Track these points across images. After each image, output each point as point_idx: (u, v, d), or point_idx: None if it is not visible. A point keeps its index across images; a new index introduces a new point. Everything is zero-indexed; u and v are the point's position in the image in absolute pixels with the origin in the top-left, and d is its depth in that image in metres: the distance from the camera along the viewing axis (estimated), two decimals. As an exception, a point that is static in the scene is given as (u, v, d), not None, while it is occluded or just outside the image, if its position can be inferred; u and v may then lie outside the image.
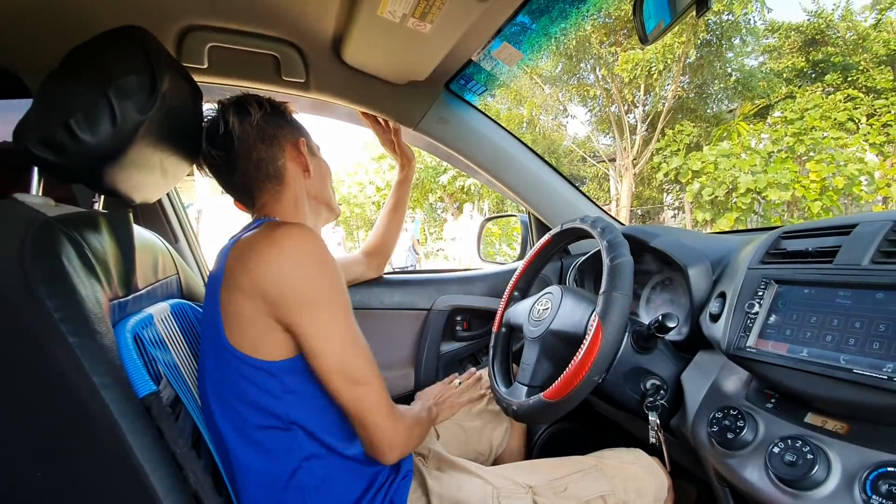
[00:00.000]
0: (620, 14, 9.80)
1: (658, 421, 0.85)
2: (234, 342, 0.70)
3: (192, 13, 0.98)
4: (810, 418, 0.66)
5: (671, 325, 0.82)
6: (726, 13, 9.39)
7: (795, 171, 7.14)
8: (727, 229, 7.25)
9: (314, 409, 0.75)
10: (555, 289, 1.01)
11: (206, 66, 1.05)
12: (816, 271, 0.71)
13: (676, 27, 0.88)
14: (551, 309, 0.97)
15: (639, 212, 12.01)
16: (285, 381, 0.72)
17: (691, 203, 8.14)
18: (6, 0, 0.84)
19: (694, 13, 0.64)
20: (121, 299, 0.69)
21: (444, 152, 1.37)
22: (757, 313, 0.74)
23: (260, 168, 0.86)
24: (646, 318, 1.15)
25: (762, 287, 0.76)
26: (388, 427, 0.75)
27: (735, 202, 7.15)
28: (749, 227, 7.40)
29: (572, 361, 0.79)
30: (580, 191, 1.40)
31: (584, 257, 1.28)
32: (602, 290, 0.81)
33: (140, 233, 0.85)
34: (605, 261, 0.85)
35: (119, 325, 0.66)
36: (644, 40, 0.74)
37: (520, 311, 1.08)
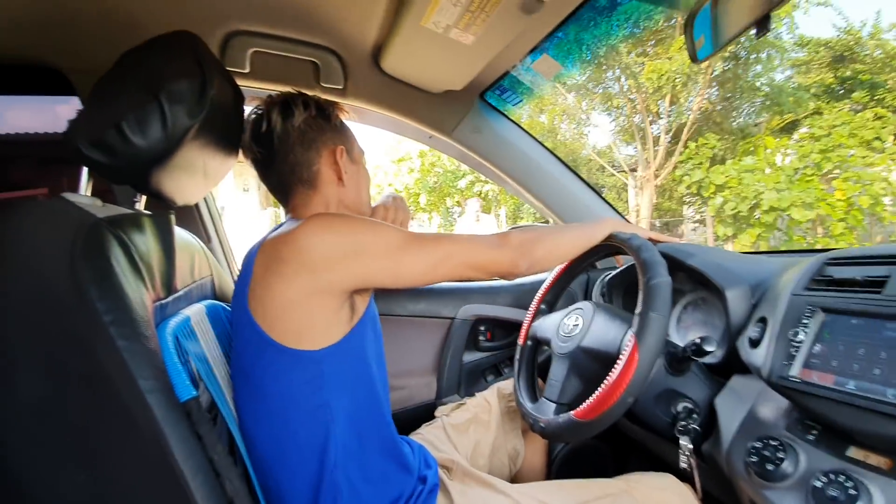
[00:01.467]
0: (649, 24, 9.72)
1: (691, 446, 0.83)
2: (275, 336, 0.70)
3: (237, 19, 0.99)
4: (853, 452, 0.64)
5: (709, 349, 0.80)
6: (755, 26, 9.22)
7: (821, 189, 6.99)
8: (748, 244, 7.14)
9: (349, 396, 0.76)
10: (586, 305, 1.00)
11: (247, 71, 1.07)
12: (865, 301, 0.69)
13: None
14: (582, 325, 0.95)
15: (657, 223, 11.86)
16: (325, 369, 0.73)
17: (713, 217, 8.01)
18: (56, 1, 0.86)
19: (753, 33, 0.62)
20: (162, 301, 0.70)
21: (475, 161, 1.37)
22: (802, 342, 0.72)
23: (294, 171, 0.86)
24: (676, 337, 1.13)
25: (807, 315, 0.74)
26: (497, 255, 0.82)
27: (758, 218, 7.02)
28: (771, 244, 7.26)
29: (606, 381, 0.78)
30: (612, 207, 1.38)
31: (613, 272, 1.26)
32: (639, 310, 0.80)
33: (178, 233, 0.86)
34: (642, 280, 0.84)
35: (160, 326, 0.66)
36: (694, 58, 0.72)
37: (547, 326, 1.07)
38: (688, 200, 10.99)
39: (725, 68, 9.81)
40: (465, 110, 1.24)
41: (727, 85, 10.15)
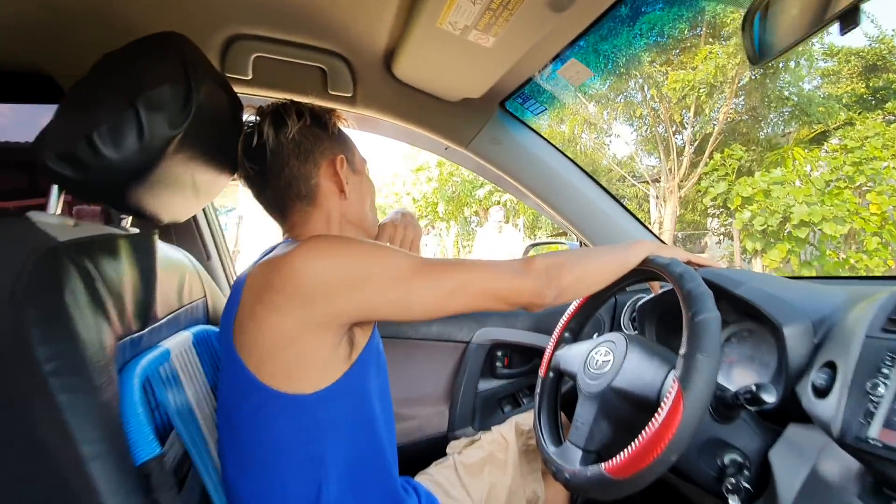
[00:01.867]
0: (673, 33, 9.55)
1: None
2: (263, 377, 0.62)
3: (238, 22, 0.92)
4: None
5: (769, 399, 0.68)
6: (783, 35, 9.04)
7: (855, 203, 6.72)
8: (778, 260, 6.87)
9: (346, 445, 0.67)
10: (617, 337, 0.89)
11: (250, 78, 0.99)
12: None
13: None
14: (613, 361, 0.85)
15: (679, 235, 11.58)
16: (320, 415, 0.64)
17: (740, 231, 7.75)
18: (46, 3, 0.80)
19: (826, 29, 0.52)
20: (134, 335, 0.61)
21: (493, 174, 1.28)
22: (882, 396, 0.61)
23: (291, 186, 0.78)
24: (720, 374, 1.01)
25: (888, 363, 0.62)
26: (519, 284, 0.72)
27: (788, 233, 6.77)
28: (801, 259, 6.99)
29: (644, 432, 0.67)
30: (644, 224, 1.27)
31: (645, 297, 1.15)
32: (683, 350, 0.69)
33: (166, 252, 0.79)
34: (686, 315, 0.73)
35: (127, 367, 0.57)
36: (753, 60, 0.62)
37: (572, 357, 0.97)
38: (712, 213, 10.72)
39: (752, 77, 9.58)
40: (483, 120, 1.15)
41: (754, 94, 9.90)
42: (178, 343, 0.72)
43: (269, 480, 0.63)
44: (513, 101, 1.14)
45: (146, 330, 0.65)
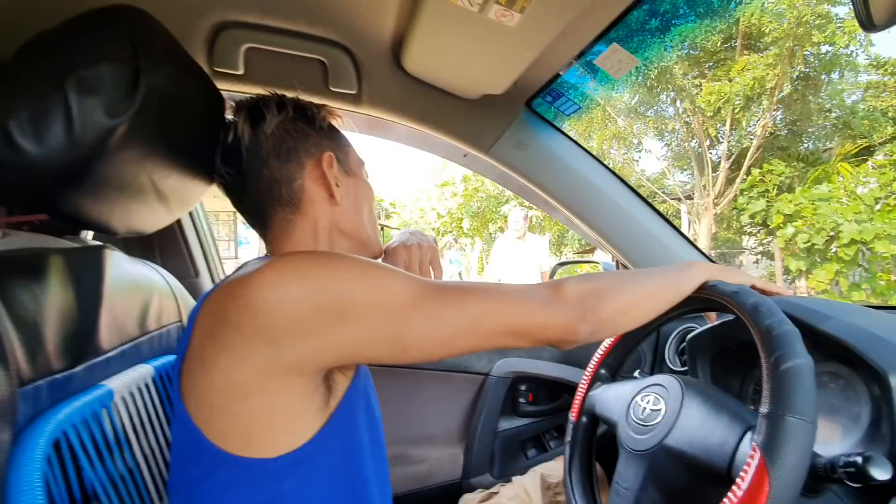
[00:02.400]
0: (706, 45, 9.32)
1: None
2: (213, 436, 0.48)
3: (226, 6, 0.81)
4: None
5: (880, 477, 0.51)
6: (825, 44, 8.73)
7: (908, 221, 6.33)
8: (826, 281, 6.48)
9: None
10: (669, 382, 0.72)
11: (241, 72, 0.88)
12: None
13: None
14: (666, 413, 0.68)
15: (713, 254, 11.17)
16: (288, 486, 0.50)
17: (782, 249, 7.38)
18: None
19: None
20: (56, 375, 0.48)
21: (518, 184, 1.13)
22: None
23: (271, 190, 0.65)
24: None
25: None
26: (546, 317, 0.57)
27: (836, 252, 6.38)
28: (850, 280, 6.57)
29: None
30: (692, 243, 1.10)
31: (698, 328, 0.98)
32: (766, 408, 0.53)
33: (127, 269, 0.66)
34: (766, 360, 0.57)
35: (37, 422, 0.44)
36: (868, 26, 0.46)
37: (610, 401, 0.80)
38: (749, 231, 10.28)
39: (794, 88, 9.27)
40: (507, 121, 1.01)
41: (794, 107, 9.55)
42: (131, 380, 0.59)
43: None
44: (541, 99, 1.00)
45: (80, 367, 0.52)
